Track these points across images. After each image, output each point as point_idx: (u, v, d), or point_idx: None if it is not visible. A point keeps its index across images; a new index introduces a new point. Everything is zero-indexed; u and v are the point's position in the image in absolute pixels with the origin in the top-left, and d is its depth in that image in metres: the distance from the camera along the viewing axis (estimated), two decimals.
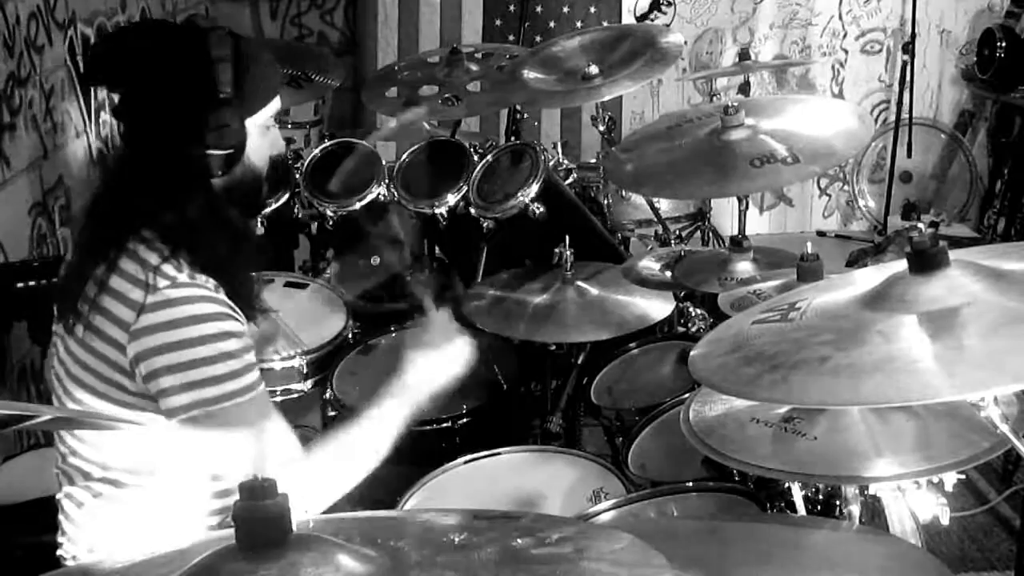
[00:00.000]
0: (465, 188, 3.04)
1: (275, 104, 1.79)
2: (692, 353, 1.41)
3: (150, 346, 1.60)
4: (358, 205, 3.11)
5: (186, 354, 1.59)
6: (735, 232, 2.74)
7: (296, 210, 3.17)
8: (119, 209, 1.70)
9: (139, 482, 1.71)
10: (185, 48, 1.67)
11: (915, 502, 1.63)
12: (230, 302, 1.68)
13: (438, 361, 1.86)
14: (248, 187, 1.78)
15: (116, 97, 1.76)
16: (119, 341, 1.62)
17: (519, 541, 0.96)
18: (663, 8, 5.42)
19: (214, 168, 1.70)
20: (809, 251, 1.98)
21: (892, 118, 5.41)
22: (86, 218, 1.78)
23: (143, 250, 1.65)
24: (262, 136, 1.78)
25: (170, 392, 1.60)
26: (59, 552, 1.78)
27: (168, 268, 1.63)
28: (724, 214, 4.58)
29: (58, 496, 1.78)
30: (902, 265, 1.30)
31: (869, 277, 1.37)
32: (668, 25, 5.33)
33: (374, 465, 1.75)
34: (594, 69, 3.00)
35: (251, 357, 1.66)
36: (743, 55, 4.37)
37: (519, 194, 2.92)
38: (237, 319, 1.67)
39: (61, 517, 1.77)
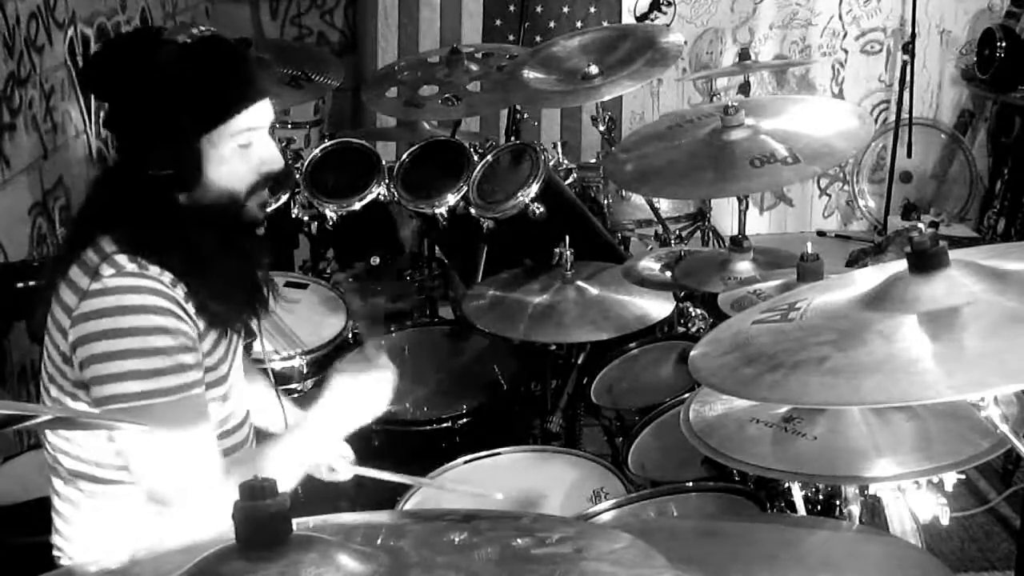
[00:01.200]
0: (465, 188, 3.04)
1: (248, 118, 1.65)
2: (692, 353, 1.41)
3: (84, 333, 1.58)
4: (358, 205, 3.11)
5: (115, 344, 1.56)
6: (735, 232, 2.74)
7: (296, 210, 3.17)
8: (93, 216, 1.69)
9: (121, 478, 1.70)
10: (132, 65, 1.61)
11: (915, 502, 1.63)
12: (182, 300, 1.62)
13: (358, 394, 1.82)
14: (219, 209, 1.67)
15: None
16: (64, 328, 1.61)
17: (519, 541, 0.96)
18: (663, 8, 5.43)
19: (171, 188, 1.63)
20: (809, 251, 1.98)
21: (892, 118, 5.41)
22: (70, 224, 1.78)
23: (106, 241, 1.63)
24: (233, 155, 1.65)
25: (95, 382, 1.58)
26: (55, 552, 1.78)
27: (120, 258, 1.60)
28: (724, 214, 4.58)
29: (50, 492, 1.78)
30: (902, 265, 1.30)
31: (869, 277, 1.37)
32: (668, 25, 5.34)
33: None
34: (594, 69, 3.00)
35: (187, 359, 1.60)
36: (743, 55, 4.37)
37: (519, 194, 2.92)
38: (180, 317, 1.61)
39: (54, 515, 1.77)
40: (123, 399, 1.57)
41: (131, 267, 1.60)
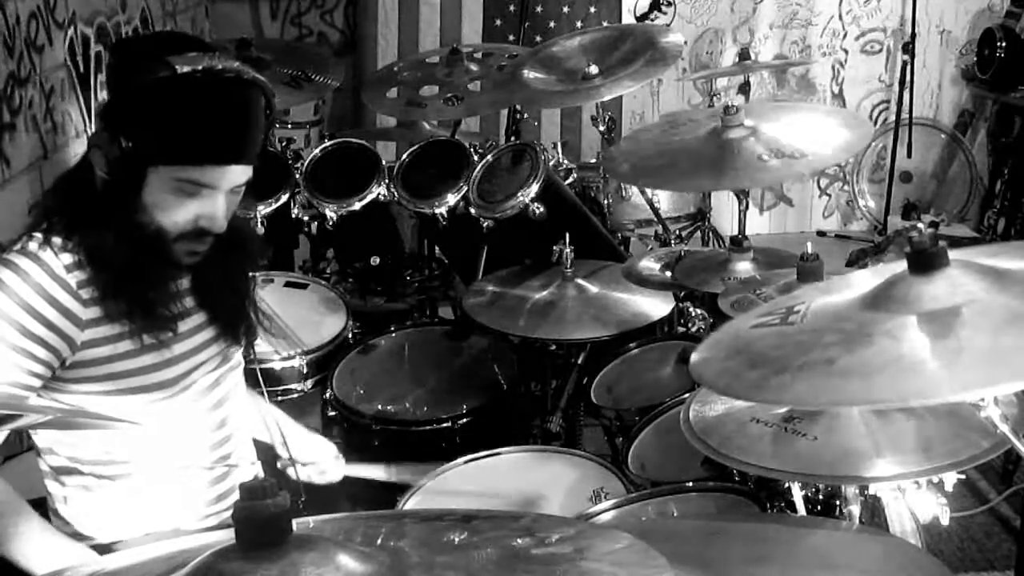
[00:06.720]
0: (465, 188, 3.04)
1: (201, 175, 1.62)
2: (693, 358, 1.40)
3: None
4: (358, 205, 3.11)
5: None
6: (735, 232, 2.74)
7: (296, 210, 3.17)
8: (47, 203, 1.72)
9: (105, 472, 1.72)
10: (129, 69, 1.60)
11: (915, 502, 1.63)
12: (55, 289, 1.59)
13: None
14: (143, 234, 1.63)
15: None
16: None
17: (519, 541, 0.96)
18: (663, 8, 5.43)
19: (107, 192, 1.62)
20: (809, 251, 1.98)
21: (892, 118, 5.41)
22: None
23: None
24: (174, 196, 1.62)
25: None
26: None
27: (29, 241, 1.62)
28: (724, 214, 4.58)
29: (46, 493, 1.79)
30: (902, 265, 1.30)
31: (869, 278, 1.37)
32: (668, 25, 5.34)
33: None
34: (594, 69, 3.00)
35: (16, 315, 1.56)
36: (743, 55, 4.37)
37: (519, 194, 2.92)
38: (30, 295, 1.58)
39: (52, 517, 1.78)
40: None
41: (31, 246, 1.61)
